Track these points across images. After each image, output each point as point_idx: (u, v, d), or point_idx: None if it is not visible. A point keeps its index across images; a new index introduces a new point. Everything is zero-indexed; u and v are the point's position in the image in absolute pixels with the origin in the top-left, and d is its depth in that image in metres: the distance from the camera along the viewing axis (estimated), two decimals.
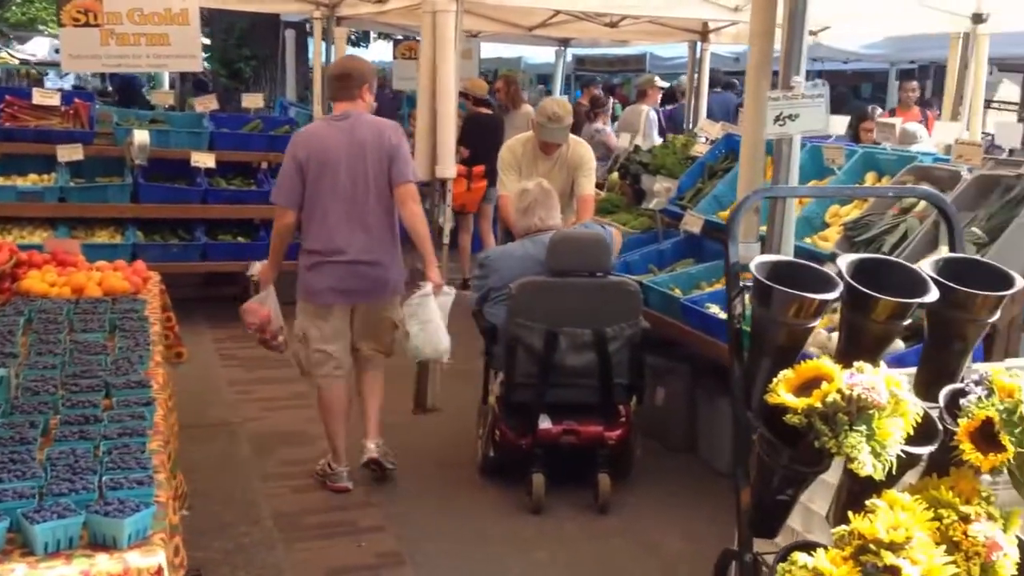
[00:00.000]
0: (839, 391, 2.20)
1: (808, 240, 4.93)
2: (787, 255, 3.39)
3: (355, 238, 4.42)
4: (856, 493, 2.34)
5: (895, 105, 13.12)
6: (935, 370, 2.53)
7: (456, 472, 4.86)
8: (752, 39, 4.12)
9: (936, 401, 2.43)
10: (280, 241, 4.54)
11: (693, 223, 5.46)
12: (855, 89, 17.35)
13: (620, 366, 4.49)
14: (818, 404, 2.20)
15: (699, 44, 8.79)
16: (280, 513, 4.36)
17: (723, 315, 3.47)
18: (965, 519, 2.21)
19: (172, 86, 12.10)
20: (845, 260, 2.42)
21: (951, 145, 5.01)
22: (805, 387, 2.30)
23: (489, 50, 18.27)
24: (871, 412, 2.18)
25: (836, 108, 10.97)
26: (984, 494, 2.27)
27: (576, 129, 6.31)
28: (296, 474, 4.76)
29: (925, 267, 2.47)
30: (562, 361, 4.44)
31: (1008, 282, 2.43)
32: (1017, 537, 2.32)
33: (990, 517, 2.23)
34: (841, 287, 2.38)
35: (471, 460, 4.88)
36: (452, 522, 4.35)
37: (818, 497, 2.66)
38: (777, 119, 3.23)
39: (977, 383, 2.34)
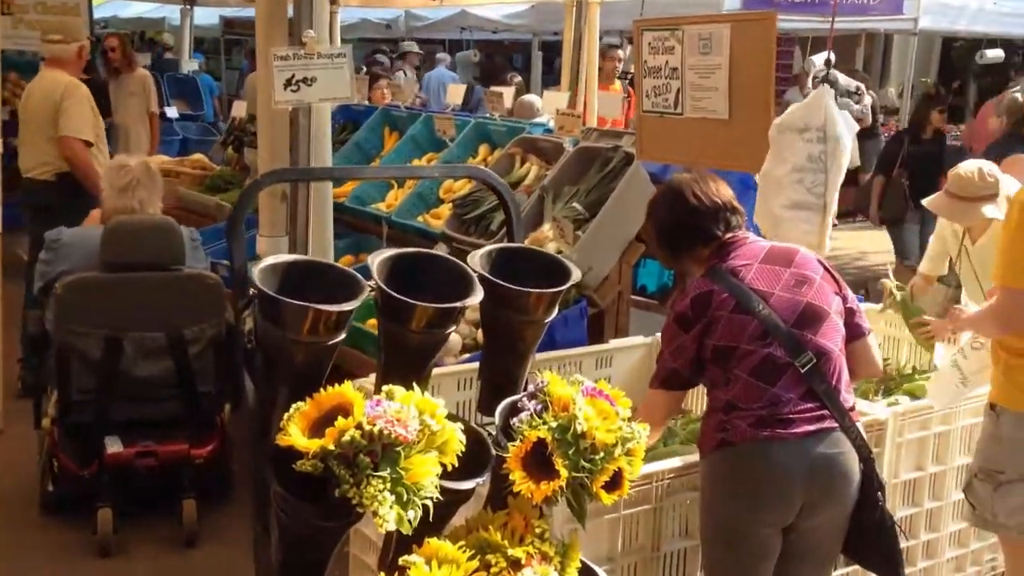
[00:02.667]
0: (359, 426, 1.74)
1: (421, 219, 4.57)
2: (323, 253, 2.89)
3: None
4: (399, 543, 1.92)
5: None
6: (496, 379, 2.18)
7: (13, 512, 3.97)
8: None
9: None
10: None
11: None
12: (510, 59, 17.61)
13: (205, 372, 3.86)
14: (332, 446, 1.73)
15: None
16: None
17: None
18: (516, 564, 1.85)
19: None
20: (376, 258, 1.96)
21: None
22: (328, 420, 1.83)
23: (131, 9, 16.46)
24: (398, 450, 1.75)
25: (494, 79, 10.87)
26: (539, 530, 1.93)
27: None
28: None
29: (476, 261, 2.08)
30: (129, 371, 3.73)
31: (565, 274, 2.11)
32: (580, 564, 2.02)
33: (544, 558, 1.89)
34: (368, 291, 1.92)
35: (35, 495, 4.01)
36: None
37: None
38: (289, 83, 2.71)
39: (532, 396, 1.99)
